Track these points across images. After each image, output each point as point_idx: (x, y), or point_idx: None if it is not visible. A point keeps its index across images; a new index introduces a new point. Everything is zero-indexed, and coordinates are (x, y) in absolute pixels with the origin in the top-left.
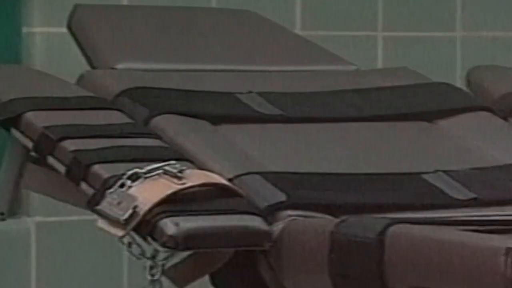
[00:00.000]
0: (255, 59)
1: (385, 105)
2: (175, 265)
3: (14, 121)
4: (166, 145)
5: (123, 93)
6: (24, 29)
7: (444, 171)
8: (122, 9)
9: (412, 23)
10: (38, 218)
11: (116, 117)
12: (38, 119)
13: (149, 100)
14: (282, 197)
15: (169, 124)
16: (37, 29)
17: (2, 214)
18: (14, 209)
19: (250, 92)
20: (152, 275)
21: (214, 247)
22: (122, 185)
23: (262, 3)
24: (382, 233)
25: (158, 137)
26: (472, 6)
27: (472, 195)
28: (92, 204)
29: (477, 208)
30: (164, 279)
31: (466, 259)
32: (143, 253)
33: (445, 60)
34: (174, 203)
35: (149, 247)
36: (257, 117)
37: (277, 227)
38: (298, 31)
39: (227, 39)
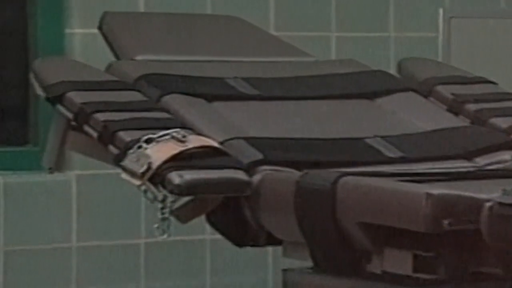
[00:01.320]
0: (239, 53)
1: (337, 87)
2: (179, 207)
3: (59, 99)
4: (173, 117)
5: (140, 78)
6: (66, 31)
7: (381, 137)
8: (140, 15)
9: (356, 25)
10: (77, 172)
11: (135, 96)
12: (77, 97)
13: (160, 83)
14: (259, 156)
15: (174, 101)
16: (76, 30)
17: (51, 169)
18: (60, 165)
19: (236, 77)
20: (163, 214)
21: (208, 193)
22: (139, 147)
23: (244, 10)
24: (335, 182)
25: (166, 111)
26: (402, 9)
27: (402, 154)
28: (117, 161)
29: (406, 164)
30: (171, 218)
31: (397, 201)
32: (155, 198)
33: (382, 53)
34: (179, 160)
35: (160, 193)
36: (241, 96)
37: (256, 178)
38: (272, 31)
39: (218, 38)
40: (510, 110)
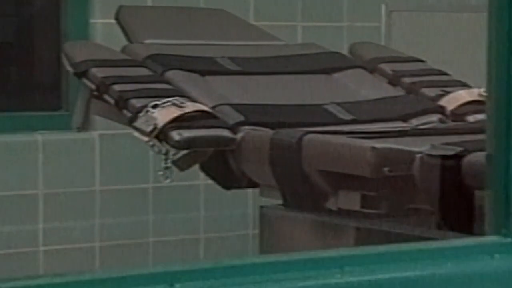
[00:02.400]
0: (225, 38)
1: (302, 64)
2: (179, 158)
3: (84, 74)
4: (173, 88)
5: (148, 57)
6: (91, 20)
7: (336, 103)
8: (148, 8)
9: (317, 16)
10: (99, 131)
11: (143, 72)
12: (98, 72)
13: (163, 61)
14: (241, 118)
15: (175, 76)
16: (98, 20)
17: (78, 128)
18: (85, 126)
19: (223, 57)
20: (166, 164)
21: (201, 147)
22: (147, 111)
23: (230, 3)
24: (300, 138)
25: (168, 83)
26: (354, 4)
27: (352, 117)
28: (130, 122)
29: (356, 125)
30: (172, 167)
31: (348, 153)
32: (160, 151)
33: (337, 38)
34: (178, 122)
35: (164, 148)
36: (227, 72)
37: (239, 136)
38: (251, 21)
39: (209, 26)
40: (436, 83)
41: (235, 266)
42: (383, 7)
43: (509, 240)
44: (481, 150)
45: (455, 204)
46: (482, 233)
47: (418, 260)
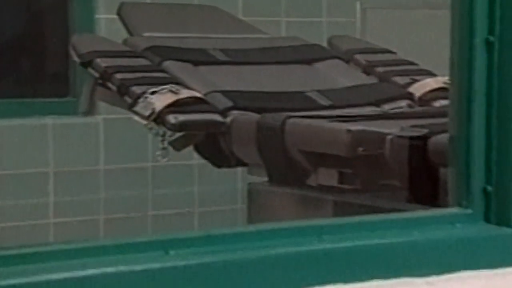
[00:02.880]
0: (216, 31)
1: (285, 55)
2: (175, 139)
3: (89, 63)
4: (169, 76)
5: (146, 49)
6: (95, 16)
7: (316, 90)
8: (146, 4)
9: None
10: (103, 116)
11: (142, 62)
12: (102, 62)
13: (160, 52)
14: (230, 103)
15: (171, 66)
16: (102, 16)
17: (84, 113)
18: (91, 111)
19: (214, 48)
20: (163, 145)
21: (195, 130)
22: (146, 97)
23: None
24: (284, 122)
25: (165, 72)
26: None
27: (331, 103)
28: (130, 107)
29: (333, 109)
30: (169, 147)
31: (327, 135)
32: (158, 133)
33: (317, 32)
34: (174, 107)
35: (161, 130)
36: (218, 62)
37: (228, 119)
38: (240, 16)
39: (202, 21)
40: (406, 72)
41: (224, 235)
42: (358, 4)
43: (468, 211)
44: (444, 132)
45: (422, 180)
46: (445, 205)
47: (388, 229)
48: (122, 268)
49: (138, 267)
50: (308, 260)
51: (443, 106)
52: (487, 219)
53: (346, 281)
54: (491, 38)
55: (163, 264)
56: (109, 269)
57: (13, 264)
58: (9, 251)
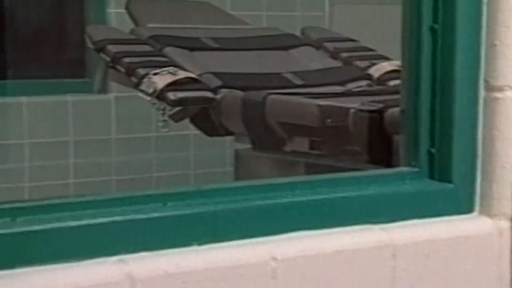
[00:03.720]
0: (208, 23)
1: (266, 43)
2: (174, 113)
3: (101, 49)
4: (169, 60)
5: (150, 37)
6: (107, 10)
7: (291, 72)
8: (150, 0)
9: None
10: (114, 94)
11: (146, 48)
12: (112, 48)
13: (162, 40)
14: (220, 83)
15: (170, 51)
16: (112, 10)
17: (98, 91)
18: (103, 89)
19: (207, 37)
20: (163, 117)
21: (190, 105)
22: (149, 78)
23: None
24: (264, 98)
25: (165, 57)
26: None
27: (304, 82)
28: (136, 86)
29: (306, 88)
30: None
31: (301, 108)
32: (159, 108)
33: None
34: (173, 85)
35: (162, 105)
36: (210, 48)
37: (218, 96)
38: (229, 11)
39: (197, 14)
40: (366, 57)
41: (213, 189)
42: (326, 1)
43: (416, 169)
44: (397, 106)
45: (378, 146)
46: (397, 165)
47: (350, 184)
48: (128, 217)
49: (141, 216)
50: (282, 210)
51: (396, 85)
52: (431, 176)
53: (314, 228)
54: (435, 26)
55: (162, 213)
56: (117, 218)
57: (38, 213)
58: (35, 203)
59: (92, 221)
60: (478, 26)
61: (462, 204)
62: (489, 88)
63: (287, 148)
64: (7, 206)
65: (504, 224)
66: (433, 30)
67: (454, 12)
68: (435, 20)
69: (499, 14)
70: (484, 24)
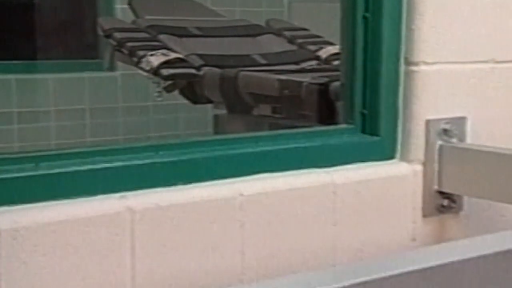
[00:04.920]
0: (194, 15)
1: (238, 31)
2: (166, 85)
3: (109, 36)
4: (163, 44)
5: (148, 26)
6: (115, 6)
7: (258, 54)
8: None
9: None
10: (120, 72)
11: (145, 35)
12: (118, 35)
13: (157, 29)
14: (202, 62)
15: (163, 38)
16: (119, 6)
17: (107, 69)
18: (112, 67)
19: (192, 26)
20: (158, 88)
21: (179, 79)
22: (147, 58)
23: None
24: (237, 73)
25: (160, 42)
26: None
27: (268, 62)
28: (137, 64)
29: (269, 66)
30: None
31: (265, 82)
32: (155, 82)
33: (259, 16)
34: (165, 63)
35: (157, 79)
36: (194, 35)
37: (201, 72)
38: (210, 6)
39: (185, 8)
40: (316, 42)
41: (197, 141)
42: (286, 1)
43: (352, 126)
44: (338, 80)
45: (324, 110)
46: (338, 123)
47: (301, 137)
48: (129, 162)
49: (139, 162)
50: (248, 157)
51: (338, 64)
52: (363, 131)
53: (273, 171)
54: (367, 15)
55: (155, 160)
56: (120, 163)
57: (57, 160)
58: (55, 151)
59: (100, 166)
60: (399, 15)
61: (386, 152)
62: (408, 63)
63: (254, 112)
64: (33, 154)
65: (418, 167)
66: (365, 18)
67: (382, 3)
68: (366, 10)
69: (415, 4)
70: (404, 13)
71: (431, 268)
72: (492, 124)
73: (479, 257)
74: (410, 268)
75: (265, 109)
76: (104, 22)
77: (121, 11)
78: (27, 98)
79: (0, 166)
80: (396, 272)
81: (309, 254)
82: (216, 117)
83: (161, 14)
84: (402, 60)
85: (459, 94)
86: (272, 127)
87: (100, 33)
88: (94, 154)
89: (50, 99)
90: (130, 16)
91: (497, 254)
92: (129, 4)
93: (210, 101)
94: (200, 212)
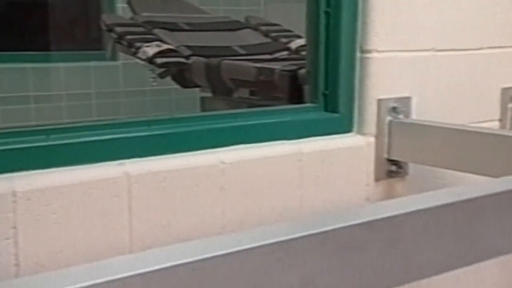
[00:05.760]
0: (184, 12)
1: (221, 26)
2: (160, 72)
3: (111, 30)
4: (157, 37)
5: (144, 22)
6: (117, 5)
7: (238, 45)
8: None
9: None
10: (122, 61)
11: (141, 29)
12: (118, 29)
13: (152, 24)
14: (191, 52)
15: (157, 32)
16: (119, 5)
17: (110, 59)
18: (114, 57)
19: (182, 22)
20: (153, 75)
21: (170, 67)
22: (143, 49)
23: None
24: (220, 62)
25: (154, 35)
26: None
27: (246, 52)
28: (134, 54)
29: (248, 56)
30: (157, 77)
31: (244, 69)
32: (150, 69)
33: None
34: (159, 53)
35: (152, 66)
36: (184, 29)
37: (190, 61)
38: (198, 5)
39: (176, 7)
40: (287, 35)
41: (185, 117)
42: (262, 1)
43: (316, 105)
44: (305, 67)
45: (293, 92)
46: (304, 103)
47: (274, 114)
48: (126, 135)
49: (135, 134)
50: (229, 130)
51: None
52: (326, 109)
53: (249, 142)
54: (328, 10)
55: (149, 133)
56: (119, 135)
57: (66, 132)
58: (63, 125)
59: (102, 137)
60: (356, 10)
61: (344, 127)
62: (363, 51)
63: (235, 95)
64: (45, 127)
65: (371, 139)
66: (326, 13)
67: (341, 0)
68: (328, 6)
69: (370, 1)
70: (360, 8)
71: (377, 220)
72: (433, 103)
73: (419, 211)
74: (360, 221)
75: (243, 92)
76: (106, 18)
77: (121, 9)
78: (42, 83)
79: (18, 137)
80: (348, 223)
81: (279, 212)
82: (202, 99)
83: (156, 11)
84: (357, 49)
85: (405, 78)
86: (250, 107)
87: (103, 27)
88: (96, 128)
89: (61, 84)
90: (129, 13)
91: (434, 208)
92: (128, 3)
93: (197, 86)
94: (187, 177)
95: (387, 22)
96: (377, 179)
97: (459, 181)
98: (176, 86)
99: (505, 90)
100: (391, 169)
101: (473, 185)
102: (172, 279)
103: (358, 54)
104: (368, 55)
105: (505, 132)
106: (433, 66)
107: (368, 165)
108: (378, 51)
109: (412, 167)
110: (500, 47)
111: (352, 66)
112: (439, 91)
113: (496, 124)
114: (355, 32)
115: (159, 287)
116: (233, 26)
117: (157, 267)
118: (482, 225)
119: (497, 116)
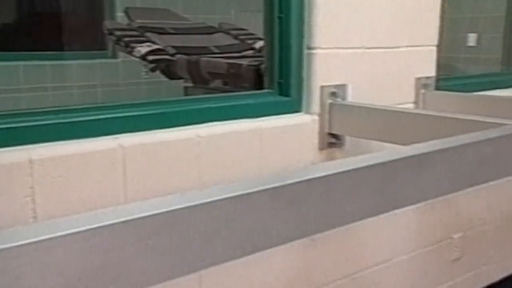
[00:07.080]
0: (170, 19)
1: (199, 30)
2: (151, 67)
3: (111, 34)
4: (148, 39)
5: (138, 27)
6: (116, 14)
7: (213, 46)
8: (137, 8)
9: (207, 10)
10: (121, 59)
11: (135, 33)
12: (117, 33)
13: (144, 29)
14: (176, 51)
15: (149, 35)
16: (118, 14)
17: (111, 57)
18: (114, 56)
19: (169, 27)
20: (146, 70)
21: (160, 63)
22: (137, 48)
23: (172, 5)
24: (199, 59)
25: (146, 37)
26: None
27: (220, 51)
28: (130, 53)
29: (221, 54)
30: (149, 72)
31: (218, 64)
32: (143, 65)
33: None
34: (151, 52)
35: (144, 63)
36: (170, 33)
37: (175, 58)
38: (182, 14)
39: (163, 15)
40: (252, 38)
41: (169, 101)
42: (233, 11)
43: (272, 91)
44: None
45: (256, 82)
46: (263, 89)
47: (240, 98)
48: (120, 114)
49: (127, 114)
50: (204, 111)
51: (265, 51)
52: (280, 94)
53: (217, 120)
54: (281, 15)
55: (139, 113)
56: (114, 115)
57: (72, 112)
58: (70, 107)
59: (100, 117)
60: (303, 16)
61: (295, 108)
62: (309, 48)
63: (211, 85)
64: (55, 109)
65: (315, 117)
66: (280, 18)
67: (290, 7)
68: (280, 12)
69: (313, 9)
70: (306, 14)
71: (315, 178)
72: (363, 89)
73: (348, 170)
74: (303, 178)
75: (218, 83)
76: (108, 24)
77: (120, 17)
78: (58, 76)
79: (34, 117)
80: (294, 181)
81: (245, 175)
82: (185, 88)
83: (147, 18)
84: (305, 46)
85: (342, 69)
86: (222, 93)
87: (106, 32)
88: (96, 109)
89: (73, 77)
90: (126, 20)
91: (359, 168)
92: (125, 12)
93: (181, 78)
94: (170, 148)
95: (328, 25)
96: (320, 149)
97: (382, 149)
98: (164, 78)
99: (418, 79)
100: (331, 141)
101: (390, 151)
102: (150, 225)
103: (305, 51)
104: (313, 51)
105: (417, 111)
106: (364, 60)
107: (313, 137)
108: (321, 48)
109: (347, 139)
110: (416, 45)
111: (300, 60)
112: (368, 80)
113: (411, 106)
114: (302, 33)
115: (141, 232)
116: (209, 30)
117: (140, 215)
118: (396, 181)
119: (412, 99)
